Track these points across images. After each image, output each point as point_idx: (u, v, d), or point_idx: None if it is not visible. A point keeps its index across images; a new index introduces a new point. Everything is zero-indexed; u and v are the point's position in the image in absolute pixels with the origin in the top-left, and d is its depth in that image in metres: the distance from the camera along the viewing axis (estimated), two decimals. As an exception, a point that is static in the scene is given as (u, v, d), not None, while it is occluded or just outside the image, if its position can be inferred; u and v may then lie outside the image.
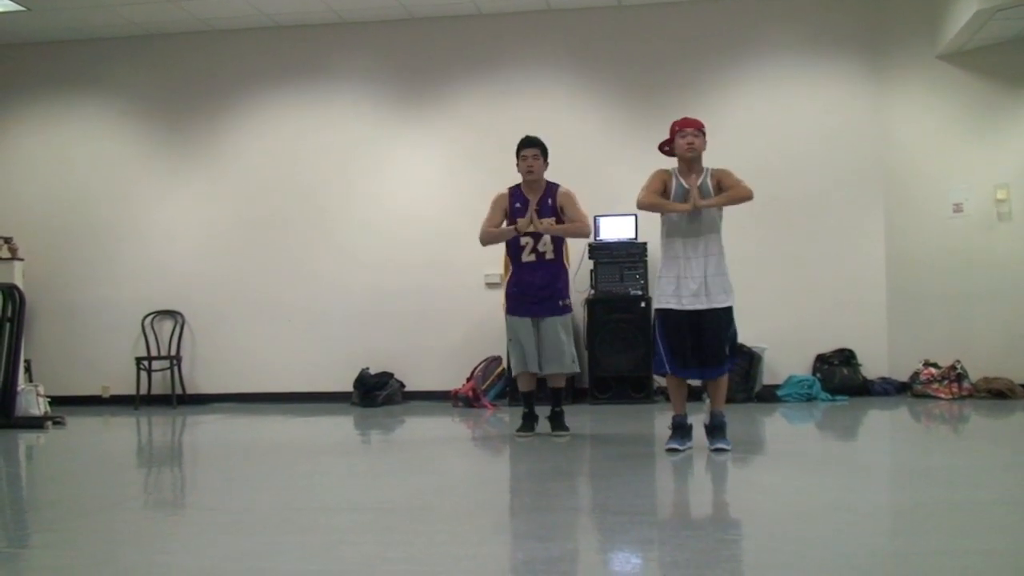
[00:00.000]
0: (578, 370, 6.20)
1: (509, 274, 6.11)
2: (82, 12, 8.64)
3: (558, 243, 5.97)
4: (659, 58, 8.70)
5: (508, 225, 5.92)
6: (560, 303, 5.95)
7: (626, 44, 8.74)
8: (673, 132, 5.35)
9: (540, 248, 5.91)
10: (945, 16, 7.76)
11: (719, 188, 5.27)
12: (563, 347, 5.93)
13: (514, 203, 5.93)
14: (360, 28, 9.08)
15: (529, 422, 6.07)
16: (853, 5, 8.51)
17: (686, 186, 5.23)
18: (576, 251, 8.39)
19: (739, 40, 8.63)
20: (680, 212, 5.21)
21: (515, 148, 6.05)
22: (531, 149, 5.91)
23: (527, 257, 5.93)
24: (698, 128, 5.29)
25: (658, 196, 5.29)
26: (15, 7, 8.41)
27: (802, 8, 8.57)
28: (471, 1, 8.56)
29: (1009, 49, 7.78)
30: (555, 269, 5.97)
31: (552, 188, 5.97)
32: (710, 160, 5.40)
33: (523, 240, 5.90)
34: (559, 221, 5.88)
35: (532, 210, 5.82)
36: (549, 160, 6.03)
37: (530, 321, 5.93)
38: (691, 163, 5.29)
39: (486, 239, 6.02)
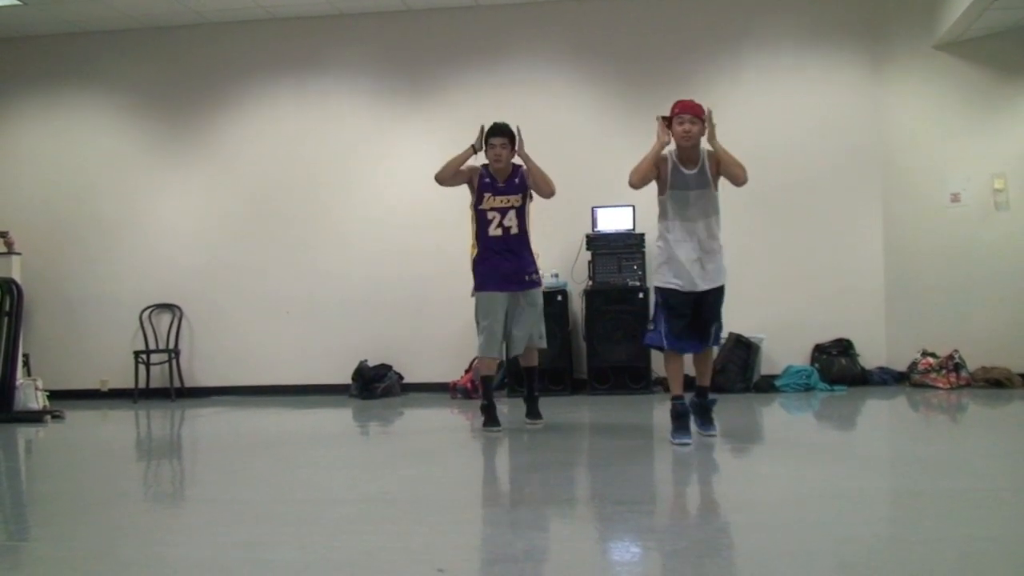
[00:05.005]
0: (545, 345, 6.16)
1: (475, 252, 6.13)
2: (78, 5, 8.62)
3: (522, 218, 6.05)
4: (657, 49, 8.69)
5: (473, 197, 6.06)
6: (527, 277, 6.02)
7: (624, 35, 8.73)
8: (673, 112, 5.22)
9: (506, 223, 6.00)
10: (942, 5, 7.74)
11: (717, 169, 5.24)
12: (533, 322, 6.02)
13: (483, 178, 6.05)
14: (357, 20, 9.07)
15: (493, 414, 6.09)
16: (850, -5, 8.51)
17: (685, 173, 5.22)
18: (574, 243, 8.42)
19: (737, 30, 8.62)
20: (660, 147, 5.20)
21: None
22: (499, 138, 6.01)
23: (493, 231, 6.01)
24: (696, 114, 5.16)
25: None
26: (11, 1, 8.38)
27: (799, -2, 8.58)
28: (468, -8, 8.56)
29: (1006, 38, 7.77)
30: (520, 242, 6.05)
31: (518, 168, 6.10)
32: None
33: (489, 214, 6.00)
34: (524, 197, 6.03)
35: (520, 139, 6.05)
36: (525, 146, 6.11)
37: (504, 297, 5.97)
38: (688, 149, 5.22)
39: (444, 170, 6.06)
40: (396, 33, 9.04)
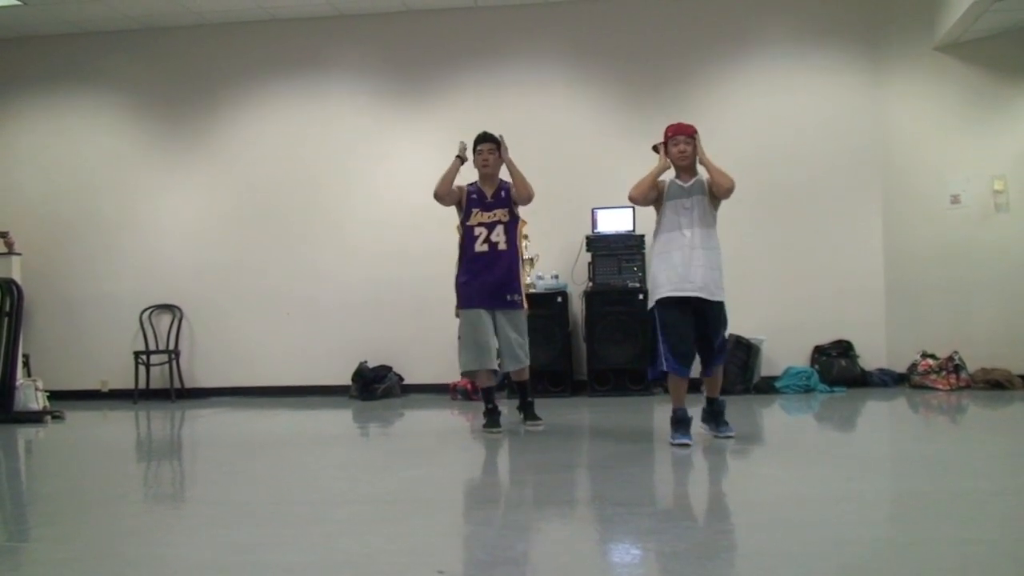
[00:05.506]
0: (528, 362, 6.11)
1: (459, 270, 6.11)
2: (78, 6, 8.62)
3: (510, 235, 6.04)
4: (656, 50, 8.70)
5: (461, 215, 6.08)
6: (509, 297, 6.00)
7: (624, 37, 8.73)
8: (667, 136, 5.45)
9: (493, 238, 6.00)
10: (942, 7, 7.75)
11: (711, 191, 5.35)
12: (517, 342, 6.01)
13: (471, 195, 6.09)
14: (357, 21, 9.07)
15: (495, 417, 6.11)
16: (850, -4, 8.52)
17: (681, 184, 5.34)
18: (574, 244, 8.42)
19: (737, 32, 8.62)
20: (661, 168, 5.39)
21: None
22: (486, 144, 6.10)
23: (480, 247, 5.99)
24: (689, 135, 5.39)
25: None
26: (12, 1, 8.39)
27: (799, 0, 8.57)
28: (468, -7, 8.56)
29: (1006, 40, 7.77)
30: (508, 260, 6.02)
31: (505, 183, 6.14)
32: (709, 151, 5.43)
33: (477, 230, 5.99)
34: (512, 212, 6.05)
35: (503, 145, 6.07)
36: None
37: (486, 313, 5.96)
38: (684, 169, 5.40)
39: (440, 184, 6.00)
40: (396, 34, 9.04)
